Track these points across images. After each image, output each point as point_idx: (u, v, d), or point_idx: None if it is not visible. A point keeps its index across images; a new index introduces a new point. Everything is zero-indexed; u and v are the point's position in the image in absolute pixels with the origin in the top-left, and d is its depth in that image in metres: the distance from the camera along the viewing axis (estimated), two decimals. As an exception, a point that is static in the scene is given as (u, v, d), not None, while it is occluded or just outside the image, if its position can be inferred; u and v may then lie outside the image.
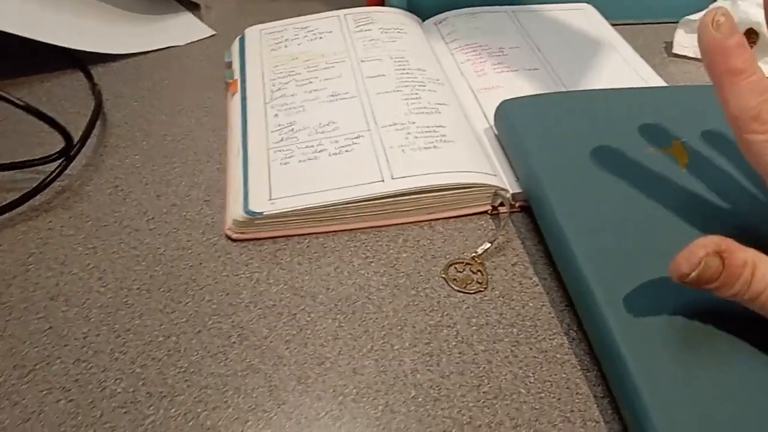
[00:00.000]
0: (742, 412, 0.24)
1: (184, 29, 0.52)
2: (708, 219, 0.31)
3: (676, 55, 0.50)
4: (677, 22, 0.50)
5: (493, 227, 0.35)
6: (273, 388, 0.27)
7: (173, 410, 0.26)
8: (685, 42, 0.50)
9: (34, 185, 0.35)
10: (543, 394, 0.27)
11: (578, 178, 0.33)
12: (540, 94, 0.39)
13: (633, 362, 0.25)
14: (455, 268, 0.33)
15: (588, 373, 0.28)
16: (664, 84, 0.44)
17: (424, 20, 0.51)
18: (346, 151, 0.37)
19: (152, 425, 0.26)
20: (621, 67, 0.45)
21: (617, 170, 0.33)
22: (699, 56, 0.49)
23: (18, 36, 0.42)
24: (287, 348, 0.29)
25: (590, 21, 0.51)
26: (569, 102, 0.38)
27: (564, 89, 0.43)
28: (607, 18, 0.51)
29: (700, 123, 0.36)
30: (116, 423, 0.26)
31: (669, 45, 0.51)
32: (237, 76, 0.45)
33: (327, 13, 0.49)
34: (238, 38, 0.49)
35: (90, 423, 0.26)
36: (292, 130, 0.39)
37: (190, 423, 0.26)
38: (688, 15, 0.49)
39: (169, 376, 0.28)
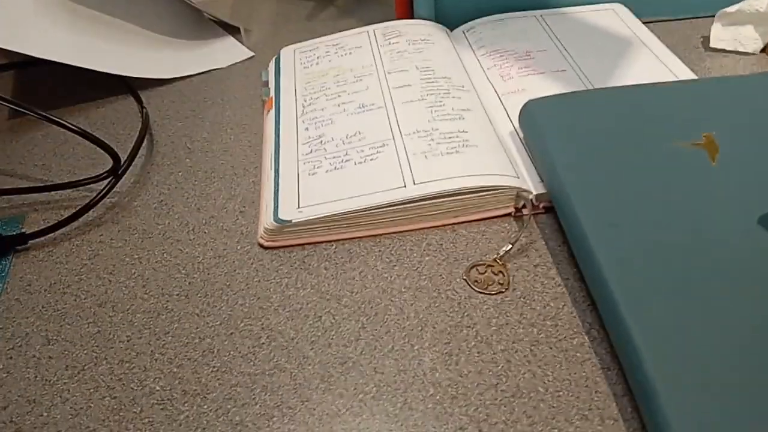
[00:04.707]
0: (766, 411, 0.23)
1: (225, 52, 0.55)
2: (737, 215, 0.30)
3: (714, 50, 0.49)
4: (713, 16, 0.49)
5: (517, 229, 0.36)
6: (298, 386, 0.29)
7: (206, 407, 0.28)
8: (723, 35, 0.48)
9: (86, 202, 0.38)
10: (561, 393, 0.27)
11: (602, 176, 0.33)
12: (564, 93, 0.39)
13: (652, 362, 0.25)
14: (477, 270, 0.33)
15: (608, 372, 0.28)
16: (695, 78, 0.43)
17: (452, 29, 0.52)
18: (371, 159, 0.38)
19: (186, 420, 0.28)
20: (652, 64, 0.45)
21: (643, 166, 0.33)
22: (737, 49, 0.48)
23: (76, 67, 0.46)
24: (312, 348, 0.30)
25: (621, 20, 0.50)
26: (594, 100, 0.38)
27: (592, 89, 0.42)
28: (641, 16, 0.51)
29: (732, 115, 0.36)
30: (154, 418, 0.28)
31: (706, 39, 0.49)
32: (272, 93, 0.47)
33: (357, 29, 0.51)
34: (274, 58, 0.51)
35: (131, 418, 0.28)
36: (321, 142, 0.40)
37: (221, 419, 0.28)
38: (725, 8, 0.48)
39: (203, 375, 0.29)
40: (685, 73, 0.43)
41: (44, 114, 0.37)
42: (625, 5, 0.52)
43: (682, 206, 0.31)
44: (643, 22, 0.50)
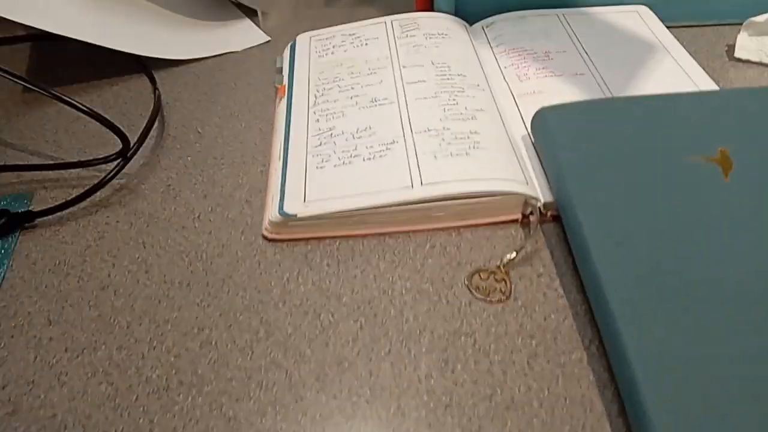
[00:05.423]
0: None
1: (241, 35, 0.55)
2: (747, 234, 0.30)
3: (738, 60, 0.47)
4: (741, 24, 0.47)
5: (523, 236, 0.35)
6: (292, 385, 0.29)
7: (200, 399, 0.28)
8: (748, 45, 0.47)
9: (95, 183, 0.38)
10: (555, 409, 0.27)
11: (611, 190, 0.32)
12: (578, 102, 0.38)
13: (647, 387, 0.25)
14: (479, 276, 0.33)
15: (605, 390, 0.28)
16: (716, 89, 0.42)
17: (472, 24, 0.51)
18: (380, 156, 0.37)
19: (180, 411, 0.28)
20: (673, 71, 0.44)
21: (652, 181, 0.33)
22: (762, 60, 0.46)
23: (92, 44, 0.46)
24: (309, 346, 0.30)
25: (645, 23, 0.49)
26: (609, 109, 0.37)
27: (609, 95, 0.42)
28: (666, 20, 0.49)
29: (750, 129, 0.35)
30: (149, 407, 0.28)
31: (731, 48, 0.48)
32: (285, 81, 0.47)
33: (375, 19, 0.50)
34: (289, 44, 0.51)
35: (126, 405, 0.28)
36: (331, 135, 0.40)
37: (214, 412, 0.28)
38: (753, 16, 0.47)
39: (199, 366, 0.30)
40: (706, 84, 0.42)
41: (55, 93, 0.37)
42: (650, 8, 0.51)
43: (690, 224, 0.30)
44: (668, 27, 0.49)
